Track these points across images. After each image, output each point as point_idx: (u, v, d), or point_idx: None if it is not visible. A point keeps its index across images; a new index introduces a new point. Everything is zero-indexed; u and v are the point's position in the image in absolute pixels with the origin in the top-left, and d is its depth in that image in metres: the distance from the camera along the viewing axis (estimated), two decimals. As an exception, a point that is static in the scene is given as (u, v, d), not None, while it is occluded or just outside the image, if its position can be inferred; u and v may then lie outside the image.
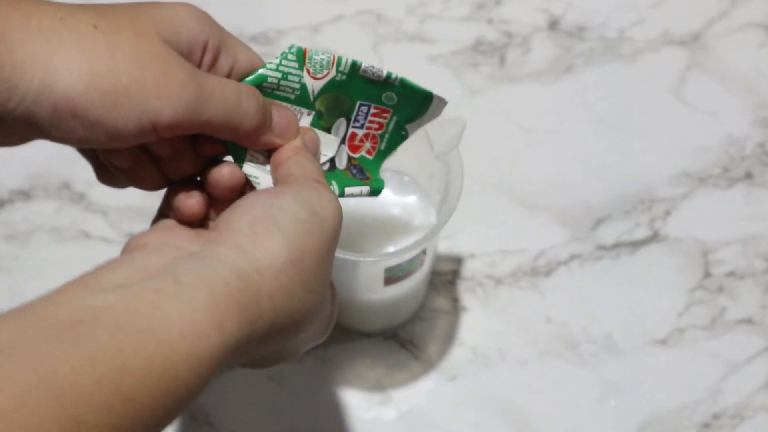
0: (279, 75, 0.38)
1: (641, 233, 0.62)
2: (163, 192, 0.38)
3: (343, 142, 0.41)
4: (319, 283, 0.33)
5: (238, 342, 0.29)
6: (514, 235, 0.62)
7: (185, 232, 0.35)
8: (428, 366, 0.58)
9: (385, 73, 0.40)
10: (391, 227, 0.54)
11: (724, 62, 0.69)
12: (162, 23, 0.34)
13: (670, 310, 0.59)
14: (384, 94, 0.40)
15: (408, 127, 0.42)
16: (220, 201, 0.37)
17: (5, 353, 0.25)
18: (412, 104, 0.41)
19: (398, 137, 0.42)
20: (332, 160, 0.41)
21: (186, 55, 0.34)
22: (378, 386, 0.57)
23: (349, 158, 0.41)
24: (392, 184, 0.55)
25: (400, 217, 0.55)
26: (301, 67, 0.38)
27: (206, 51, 0.35)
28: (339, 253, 0.46)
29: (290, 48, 0.38)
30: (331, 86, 0.39)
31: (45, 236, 0.62)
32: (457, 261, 0.61)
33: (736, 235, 0.62)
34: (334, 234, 0.34)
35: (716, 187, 0.64)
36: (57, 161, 0.64)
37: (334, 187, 0.40)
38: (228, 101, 0.34)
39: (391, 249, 0.53)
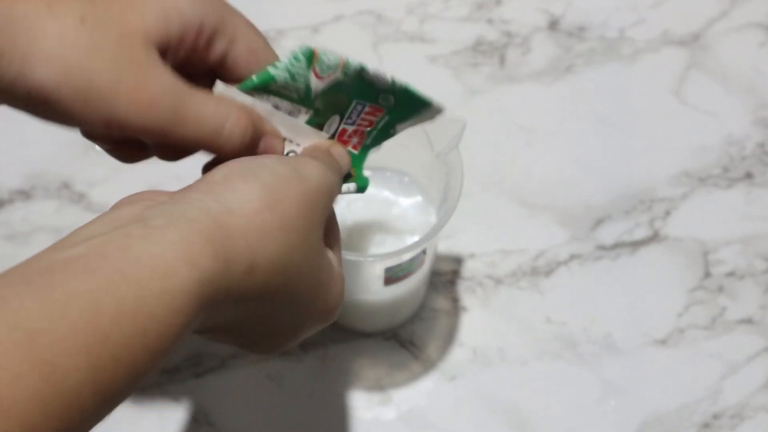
0: (287, 75, 0.37)
1: (641, 233, 0.62)
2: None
3: (332, 138, 0.41)
4: (302, 237, 0.32)
5: (212, 278, 0.28)
6: (514, 235, 0.62)
7: (166, 192, 0.34)
8: (428, 366, 0.58)
9: (389, 80, 0.39)
10: (392, 227, 0.54)
11: (724, 62, 0.69)
12: (152, 14, 0.33)
13: (670, 310, 0.59)
14: (381, 95, 0.40)
15: (398, 126, 0.42)
16: None
17: None
18: (407, 108, 0.41)
19: (385, 134, 0.42)
20: None
21: (177, 42, 0.34)
22: (378, 386, 0.57)
23: None
24: (393, 184, 0.55)
25: (400, 217, 0.55)
26: (308, 68, 0.38)
27: (200, 34, 0.35)
28: None
29: (300, 48, 0.37)
30: (333, 87, 0.39)
31: (45, 236, 0.62)
32: (457, 261, 0.61)
33: (736, 235, 0.62)
34: (317, 193, 0.33)
35: (716, 187, 0.64)
36: (57, 161, 0.64)
37: None
38: (204, 126, 0.34)
39: (391, 249, 0.53)
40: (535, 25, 0.70)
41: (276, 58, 0.38)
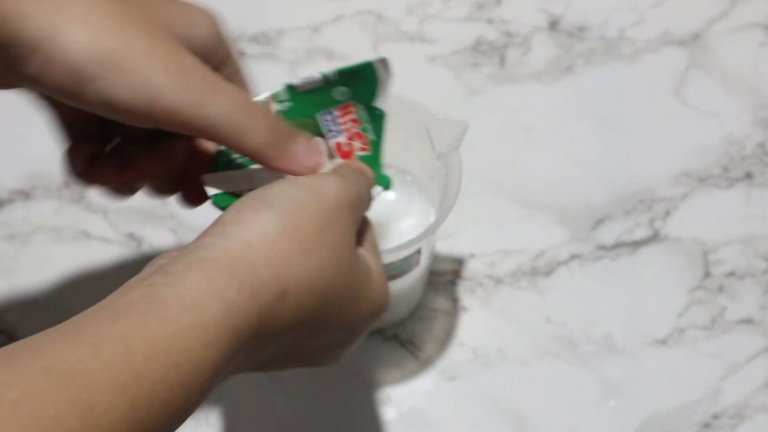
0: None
1: (641, 233, 0.62)
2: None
3: (332, 156, 0.41)
4: (326, 254, 0.32)
5: (242, 310, 0.28)
6: (514, 235, 0.62)
7: (182, 247, 0.35)
8: (428, 366, 0.58)
9: (319, 76, 0.38)
10: (391, 225, 0.54)
11: (724, 62, 0.69)
12: (180, 22, 0.34)
13: (670, 310, 0.59)
14: (332, 92, 0.39)
15: (377, 104, 0.40)
16: None
17: (6, 355, 0.25)
18: (362, 83, 0.40)
19: (377, 119, 0.41)
20: None
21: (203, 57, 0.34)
22: (378, 386, 0.57)
23: None
24: (394, 183, 0.56)
25: (400, 215, 0.55)
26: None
27: (214, 56, 0.35)
28: None
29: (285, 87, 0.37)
30: (292, 117, 0.38)
31: (45, 236, 0.62)
32: (457, 261, 0.61)
33: (736, 235, 0.62)
34: (337, 206, 0.32)
35: (716, 187, 0.64)
36: (57, 161, 0.64)
37: None
38: (236, 104, 0.33)
39: (387, 247, 0.53)
40: (535, 25, 0.70)
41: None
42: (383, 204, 0.55)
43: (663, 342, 0.58)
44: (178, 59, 0.32)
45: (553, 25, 0.71)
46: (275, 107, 0.38)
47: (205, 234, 0.31)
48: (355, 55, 0.69)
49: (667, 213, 0.63)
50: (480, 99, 0.67)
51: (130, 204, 0.63)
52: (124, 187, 0.39)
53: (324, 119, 0.39)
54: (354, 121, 0.40)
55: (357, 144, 0.41)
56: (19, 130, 0.65)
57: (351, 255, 0.33)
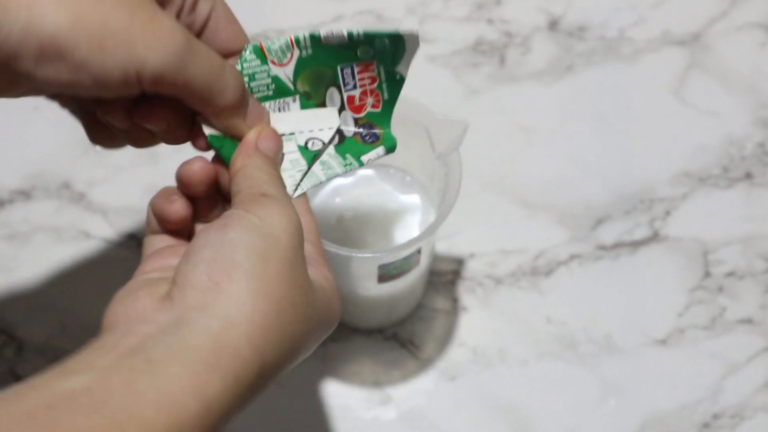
0: (246, 78, 0.37)
1: (641, 233, 0.62)
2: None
3: (343, 108, 0.40)
4: (296, 305, 0.32)
5: (223, 401, 0.29)
6: (514, 235, 0.62)
7: (151, 293, 0.33)
8: (428, 366, 0.58)
9: (346, 33, 0.38)
10: (391, 225, 0.54)
11: (724, 62, 0.69)
12: None
13: (670, 310, 0.59)
14: (358, 50, 0.39)
15: (398, 69, 0.40)
16: (201, 200, 0.37)
17: None
18: (388, 49, 0.40)
19: (395, 83, 0.41)
20: (339, 131, 0.40)
21: None
22: (378, 386, 0.57)
23: (356, 120, 0.41)
24: (395, 183, 0.56)
25: (400, 215, 0.55)
26: (264, 62, 0.38)
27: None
28: (332, 248, 0.46)
29: (246, 48, 0.37)
30: (302, 65, 0.38)
31: (45, 236, 0.62)
32: (457, 261, 0.61)
33: (736, 235, 0.62)
34: (292, 248, 0.33)
35: (716, 187, 0.64)
36: (57, 161, 0.64)
37: (350, 160, 0.39)
38: (213, 65, 0.34)
39: (387, 247, 0.53)
40: (535, 25, 0.70)
41: (242, 29, 0.39)
42: (383, 202, 0.55)
43: (663, 342, 0.58)
44: (157, 24, 0.32)
45: (553, 25, 0.71)
46: (296, 52, 0.38)
47: (183, 302, 0.31)
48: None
49: (667, 213, 0.63)
50: (480, 99, 0.67)
51: (130, 204, 0.63)
52: (140, 135, 0.39)
53: (344, 72, 0.39)
54: (372, 79, 0.40)
55: (370, 100, 0.41)
56: (19, 130, 0.65)
57: (308, 292, 0.33)
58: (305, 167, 0.39)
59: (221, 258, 0.31)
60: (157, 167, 0.64)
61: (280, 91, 0.38)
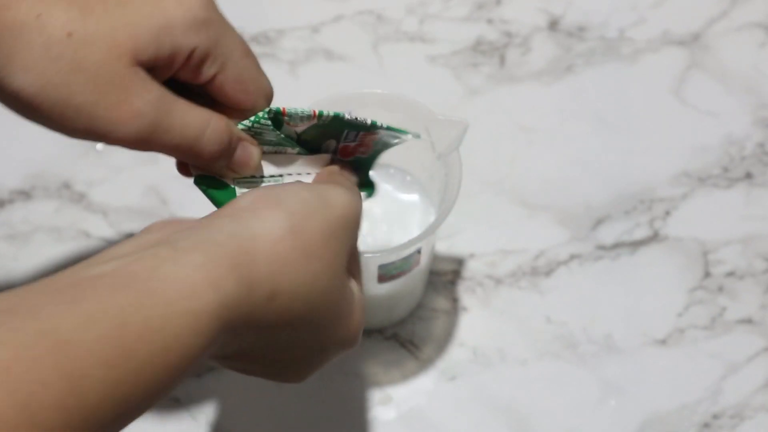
0: (251, 134, 0.38)
1: (641, 233, 0.62)
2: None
3: (335, 154, 0.41)
4: (325, 264, 0.32)
5: (235, 302, 0.29)
6: (514, 235, 0.62)
7: (194, 220, 0.35)
8: (428, 366, 0.58)
9: (369, 122, 0.40)
10: (391, 225, 0.54)
11: (724, 62, 0.69)
12: (144, 36, 0.33)
13: (670, 310, 0.59)
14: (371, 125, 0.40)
15: (398, 137, 0.42)
16: None
17: (7, 312, 0.25)
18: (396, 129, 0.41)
19: (393, 140, 0.42)
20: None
21: (166, 63, 0.34)
22: (378, 386, 0.57)
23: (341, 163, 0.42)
24: (395, 182, 0.56)
25: (400, 215, 0.55)
26: (277, 128, 0.37)
27: (190, 59, 0.35)
28: None
29: (265, 112, 0.37)
30: (314, 128, 0.39)
31: (45, 236, 0.62)
32: (457, 261, 0.61)
33: (736, 235, 0.62)
34: (343, 220, 0.33)
35: (716, 187, 0.64)
36: (57, 161, 0.64)
37: None
38: (187, 133, 0.35)
39: (387, 247, 0.53)
40: (535, 25, 0.70)
41: (264, 87, 0.38)
42: (384, 201, 0.55)
43: (663, 342, 0.58)
44: (125, 106, 0.33)
45: (553, 25, 0.71)
46: (314, 122, 0.38)
47: (217, 213, 0.32)
48: (355, 55, 0.69)
49: (667, 213, 0.63)
50: (480, 99, 0.67)
51: (130, 204, 0.63)
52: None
53: (348, 134, 0.40)
54: (373, 137, 0.41)
55: (362, 149, 0.41)
56: (19, 130, 0.65)
57: (343, 275, 0.34)
58: None
59: (270, 195, 0.32)
60: (157, 167, 0.64)
61: (283, 143, 0.39)
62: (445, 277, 0.60)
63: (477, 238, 0.62)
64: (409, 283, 0.54)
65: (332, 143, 0.40)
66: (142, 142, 0.34)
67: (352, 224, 0.34)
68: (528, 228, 0.62)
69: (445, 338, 0.58)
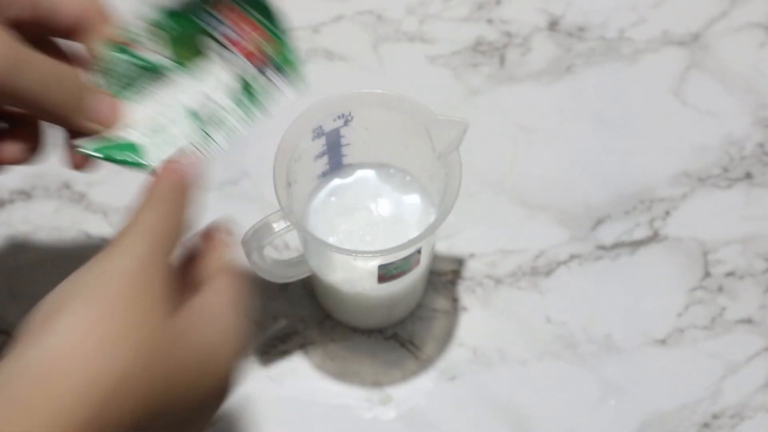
0: (115, 81, 0.37)
1: (641, 233, 0.62)
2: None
3: (226, 49, 0.38)
4: (139, 340, 0.30)
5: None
6: (514, 235, 0.62)
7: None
8: (428, 366, 0.58)
9: None
10: (391, 225, 0.54)
11: (724, 62, 0.69)
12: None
13: (670, 310, 0.59)
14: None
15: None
16: None
17: None
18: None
19: (263, 9, 0.39)
20: (242, 80, 0.38)
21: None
22: (377, 386, 0.57)
23: (252, 61, 0.38)
24: (395, 182, 0.56)
25: (400, 215, 0.55)
26: (133, 57, 0.36)
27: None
28: (332, 248, 0.46)
29: (112, 47, 0.36)
30: (169, 35, 0.37)
31: (45, 236, 0.62)
32: (457, 261, 0.61)
33: (736, 235, 0.62)
34: (130, 273, 0.32)
35: (716, 187, 0.64)
36: (57, 161, 0.64)
37: (252, 109, 0.38)
38: (41, 79, 0.35)
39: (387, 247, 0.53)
40: (535, 25, 0.70)
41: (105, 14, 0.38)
42: (383, 201, 0.55)
43: (663, 342, 0.58)
44: None
45: (553, 25, 0.71)
46: (157, 32, 0.37)
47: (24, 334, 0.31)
48: (355, 55, 0.69)
49: (667, 213, 0.63)
50: (480, 99, 0.67)
51: (130, 204, 0.63)
52: None
53: (204, 18, 0.37)
54: (240, 16, 0.38)
55: (254, 35, 0.38)
56: (19, 130, 0.65)
57: (163, 333, 0.31)
58: (201, 136, 0.38)
59: (43, 307, 0.31)
60: (157, 167, 0.63)
61: (149, 68, 0.37)
62: (445, 277, 0.60)
63: (477, 238, 0.62)
64: (409, 283, 0.54)
65: (204, 41, 0.38)
66: (8, 77, 0.34)
67: (147, 279, 0.31)
68: (528, 228, 0.62)
69: (445, 338, 0.58)
